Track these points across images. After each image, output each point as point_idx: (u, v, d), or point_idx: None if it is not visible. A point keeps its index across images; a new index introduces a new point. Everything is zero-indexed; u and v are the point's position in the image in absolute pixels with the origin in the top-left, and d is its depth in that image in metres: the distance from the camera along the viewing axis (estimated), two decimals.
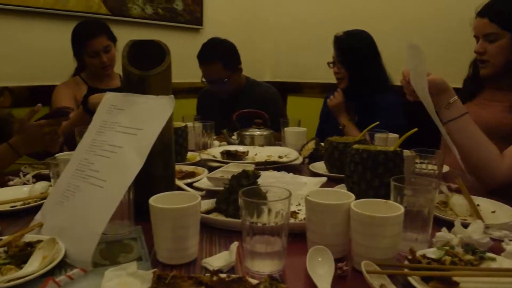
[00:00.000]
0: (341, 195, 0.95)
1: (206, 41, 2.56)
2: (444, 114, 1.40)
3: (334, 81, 2.41)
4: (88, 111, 1.95)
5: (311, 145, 1.79)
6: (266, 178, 1.36)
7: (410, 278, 0.78)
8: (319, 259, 0.84)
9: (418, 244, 0.93)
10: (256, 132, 2.01)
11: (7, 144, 1.48)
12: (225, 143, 2.04)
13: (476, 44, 1.72)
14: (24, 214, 1.16)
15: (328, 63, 2.42)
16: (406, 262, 0.84)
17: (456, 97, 1.40)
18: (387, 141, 1.68)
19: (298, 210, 1.15)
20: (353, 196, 0.92)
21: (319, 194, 0.93)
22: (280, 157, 1.73)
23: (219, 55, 2.48)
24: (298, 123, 2.08)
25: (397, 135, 1.73)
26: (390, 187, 0.97)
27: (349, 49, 2.31)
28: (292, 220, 1.05)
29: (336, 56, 2.35)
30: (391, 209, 0.86)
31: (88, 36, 2.25)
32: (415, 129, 1.19)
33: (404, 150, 1.26)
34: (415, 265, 0.82)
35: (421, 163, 1.37)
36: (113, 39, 2.35)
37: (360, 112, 2.33)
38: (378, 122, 1.57)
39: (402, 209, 0.85)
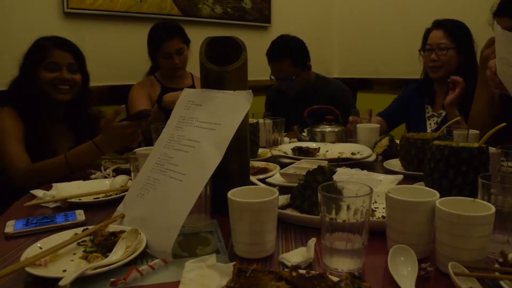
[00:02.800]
0: (423, 192, 0.91)
1: (275, 38, 2.56)
2: None
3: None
4: (163, 108, 2.02)
5: (385, 141, 1.73)
6: (340, 175, 1.32)
7: (502, 282, 0.73)
8: (402, 258, 0.81)
9: (510, 246, 0.86)
10: (327, 128, 1.98)
11: (92, 143, 1.57)
12: (295, 139, 2.03)
13: None
14: (106, 206, 1.21)
15: (422, 51, 2.20)
16: (496, 265, 0.78)
17: None
18: (468, 137, 1.58)
19: (375, 208, 1.11)
20: (437, 193, 0.87)
21: (399, 191, 0.90)
22: (352, 154, 1.69)
23: (289, 52, 2.46)
24: (369, 116, 2.02)
25: (478, 132, 1.64)
26: (474, 185, 0.91)
27: (463, 33, 2.12)
28: None
29: (449, 41, 2.11)
30: (479, 208, 0.81)
31: (162, 38, 2.33)
32: (503, 124, 1.11)
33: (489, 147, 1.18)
34: (507, 268, 0.77)
35: (507, 161, 1.28)
36: (187, 42, 2.42)
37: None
38: (459, 118, 1.49)
39: (493, 209, 0.79)
